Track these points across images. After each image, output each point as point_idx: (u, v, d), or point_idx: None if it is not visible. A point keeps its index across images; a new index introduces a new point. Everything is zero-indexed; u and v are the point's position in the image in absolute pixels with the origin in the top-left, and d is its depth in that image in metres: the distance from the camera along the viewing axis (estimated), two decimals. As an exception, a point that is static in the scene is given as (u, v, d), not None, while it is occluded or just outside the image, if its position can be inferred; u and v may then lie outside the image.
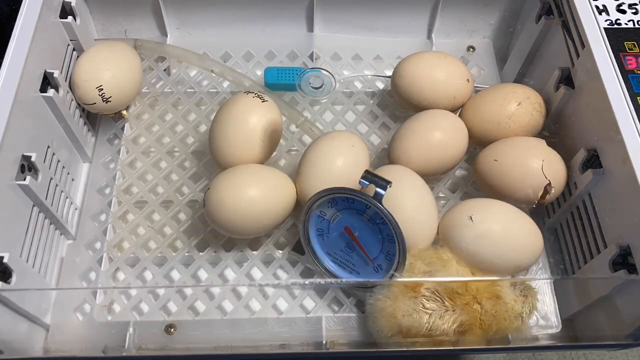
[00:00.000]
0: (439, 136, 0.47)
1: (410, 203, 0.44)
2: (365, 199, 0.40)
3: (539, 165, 0.44)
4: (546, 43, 0.52)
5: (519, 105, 0.48)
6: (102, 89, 0.49)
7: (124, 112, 0.53)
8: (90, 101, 0.49)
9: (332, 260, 0.45)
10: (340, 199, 0.42)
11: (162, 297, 0.46)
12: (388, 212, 0.40)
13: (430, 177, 0.48)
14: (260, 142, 0.46)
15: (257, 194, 0.44)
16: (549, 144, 0.49)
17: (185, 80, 0.57)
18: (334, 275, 0.45)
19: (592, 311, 0.43)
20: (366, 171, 0.41)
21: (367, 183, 0.41)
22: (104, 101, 0.50)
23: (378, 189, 0.40)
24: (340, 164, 0.45)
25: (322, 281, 0.45)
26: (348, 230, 0.43)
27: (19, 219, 0.42)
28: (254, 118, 0.46)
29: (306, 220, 0.44)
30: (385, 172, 0.45)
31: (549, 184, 0.44)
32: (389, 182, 0.40)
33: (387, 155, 0.49)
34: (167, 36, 0.60)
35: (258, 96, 0.47)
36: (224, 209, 0.43)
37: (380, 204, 0.40)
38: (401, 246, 0.41)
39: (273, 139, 0.48)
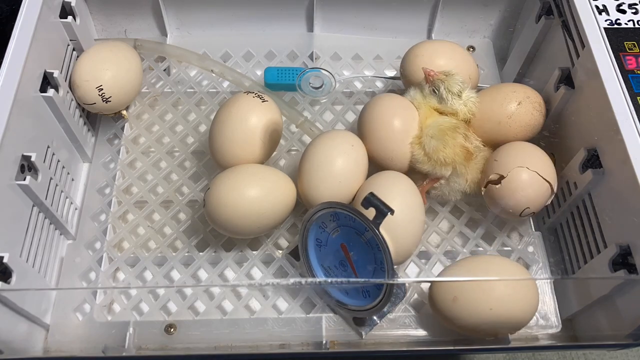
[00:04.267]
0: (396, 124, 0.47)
1: (398, 211, 0.42)
2: (364, 221, 0.39)
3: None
4: (546, 43, 0.52)
5: (519, 104, 0.48)
6: (102, 89, 0.49)
7: (124, 112, 0.53)
8: (90, 101, 0.49)
9: (324, 274, 0.45)
10: (342, 215, 0.41)
11: (162, 297, 0.46)
12: (383, 239, 0.39)
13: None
14: (260, 142, 0.46)
15: (257, 194, 0.44)
16: (549, 144, 0.49)
17: (185, 80, 0.57)
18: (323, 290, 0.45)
19: (592, 311, 0.43)
20: (370, 193, 0.39)
21: (368, 206, 0.39)
22: (103, 101, 0.50)
23: (378, 214, 0.39)
24: (341, 163, 0.45)
25: (322, 281, 0.44)
26: (344, 248, 0.42)
27: (19, 219, 0.42)
28: (254, 118, 0.46)
29: (306, 228, 0.43)
30: (381, 177, 0.45)
31: (500, 177, 0.44)
32: (390, 210, 0.38)
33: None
34: (167, 36, 0.60)
35: (258, 96, 0.47)
36: (224, 209, 0.43)
37: (377, 229, 0.39)
38: (389, 277, 0.40)
39: (273, 139, 0.48)
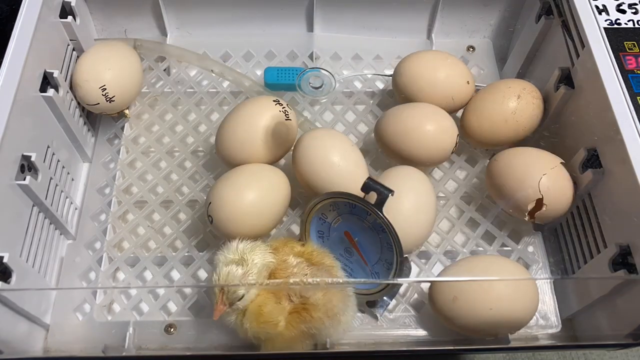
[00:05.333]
0: (429, 128, 0.47)
1: (409, 205, 0.43)
2: (365, 206, 0.40)
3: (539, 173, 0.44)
4: (546, 43, 0.52)
5: (519, 98, 0.48)
6: (106, 89, 0.49)
7: (126, 111, 0.53)
8: (94, 102, 0.49)
9: None
10: (342, 204, 0.41)
11: (162, 297, 0.46)
12: (387, 220, 0.39)
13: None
14: (270, 146, 0.46)
15: (256, 196, 0.43)
16: (549, 144, 0.49)
17: (185, 80, 0.57)
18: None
19: (592, 311, 0.43)
20: (369, 178, 0.40)
21: (369, 191, 0.40)
22: (107, 101, 0.49)
23: (379, 197, 0.39)
24: (337, 160, 0.44)
25: (322, 281, 0.44)
26: (348, 235, 0.43)
27: (19, 219, 0.42)
28: (267, 122, 0.46)
29: (307, 221, 0.44)
30: (393, 172, 0.45)
31: (541, 199, 0.43)
32: (390, 191, 0.39)
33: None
34: (167, 36, 0.60)
35: (284, 113, 0.47)
36: (232, 221, 0.43)
37: (381, 212, 0.39)
38: (398, 256, 0.40)
39: (283, 147, 0.48)
